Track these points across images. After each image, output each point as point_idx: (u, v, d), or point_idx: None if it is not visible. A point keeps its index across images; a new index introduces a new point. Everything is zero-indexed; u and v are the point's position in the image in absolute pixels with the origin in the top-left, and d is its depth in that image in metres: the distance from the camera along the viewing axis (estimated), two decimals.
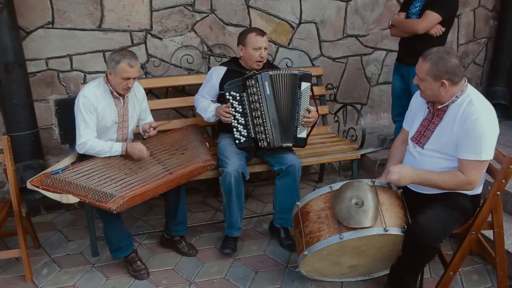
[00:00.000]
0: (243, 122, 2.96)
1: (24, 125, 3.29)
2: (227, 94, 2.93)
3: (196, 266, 2.89)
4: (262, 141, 2.93)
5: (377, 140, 4.25)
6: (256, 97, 2.89)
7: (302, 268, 2.48)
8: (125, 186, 2.52)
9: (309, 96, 2.99)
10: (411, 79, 3.29)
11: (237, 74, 3.01)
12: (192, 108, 3.56)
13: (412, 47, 3.24)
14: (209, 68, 3.61)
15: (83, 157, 2.81)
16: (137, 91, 2.96)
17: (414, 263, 2.26)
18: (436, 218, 2.17)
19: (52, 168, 2.73)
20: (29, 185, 2.58)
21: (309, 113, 2.97)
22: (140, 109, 2.99)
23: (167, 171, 2.68)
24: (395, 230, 2.19)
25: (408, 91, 3.39)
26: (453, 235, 2.59)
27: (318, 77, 3.86)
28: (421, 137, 2.35)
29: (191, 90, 3.63)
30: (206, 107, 3.08)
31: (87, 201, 2.47)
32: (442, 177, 2.21)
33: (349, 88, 4.26)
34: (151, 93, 3.66)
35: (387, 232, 2.17)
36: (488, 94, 4.54)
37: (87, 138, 2.70)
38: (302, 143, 3.03)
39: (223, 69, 3.12)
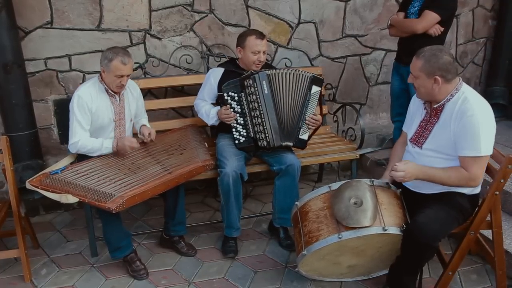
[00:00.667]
0: (242, 122, 2.97)
1: (23, 125, 3.29)
2: (225, 94, 2.94)
3: (195, 266, 2.89)
4: (261, 141, 2.94)
5: (376, 140, 4.25)
6: (254, 97, 2.89)
7: (301, 268, 2.48)
8: (124, 186, 2.52)
9: (317, 100, 2.99)
10: None
11: (234, 75, 3.01)
12: (191, 108, 3.56)
13: (411, 47, 3.23)
14: (208, 68, 3.61)
15: (82, 157, 2.81)
16: (133, 89, 2.96)
17: (413, 263, 2.27)
18: (435, 218, 2.18)
19: (51, 168, 2.73)
20: (28, 185, 2.58)
21: (315, 115, 2.98)
22: (136, 106, 2.99)
23: (166, 171, 2.68)
24: (394, 230, 2.19)
25: (407, 91, 3.39)
26: (452, 235, 2.59)
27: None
28: (420, 138, 2.36)
29: (190, 90, 3.63)
30: (208, 112, 3.08)
31: (86, 201, 2.46)
32: (446, 173, 2.22)
33: (348, 88, 4.26)
34: (150, 93, 3.66)
35: (386, 232, 2.17)
36: (487, 94, 4.54)
37: (78, 138, 2.71)
38: (302, 144, 3.03)
39: (221, 70, 3.12)
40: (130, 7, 3.49)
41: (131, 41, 3.56)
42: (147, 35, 3.59)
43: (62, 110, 3.12)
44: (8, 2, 3.09)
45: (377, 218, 2.20)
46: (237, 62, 3.15)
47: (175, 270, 2.85)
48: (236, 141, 2.98)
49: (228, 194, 2.83)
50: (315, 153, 3.34)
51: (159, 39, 3.62)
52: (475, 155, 2.15)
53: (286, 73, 2.92)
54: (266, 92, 2.89)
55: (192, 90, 3.53)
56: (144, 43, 3.60)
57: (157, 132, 3.06)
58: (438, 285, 2.45)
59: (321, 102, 3.06)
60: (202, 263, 2.91)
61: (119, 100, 2.85)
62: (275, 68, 3.13)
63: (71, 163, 2.81)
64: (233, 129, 2.98)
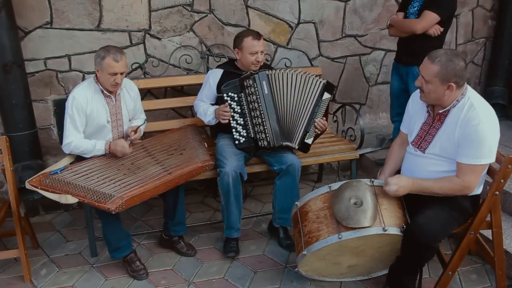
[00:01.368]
0: (242, 122, 2.96)
1: (23, 125, 3.29)
2: (224, 95, 2.94)
3: (195, 266, 2.89)
4: (262, 141, 2.93)
5: (376, 140, 4.25)
6: (254, 97, 2.89)
7: (301, 268, 2.48)
8: (124, 187, 2.52)
9: (326, 106, 2.99)
10: (410, 79, 3.32)
11: (233, 75, 3.01)
12: (191, 108, 3.56)
13: (411, 47, 3.25)
14: (208, 68, 3.61)
15: (81, 157, 2.81)
16: (130, 89, 2.95)
17: (413, 263, 2.27)
18: (435, 218, 2.17)
19: (50, 168, 2.73)
20: (28, 185, 2.58)
21: (322, 120, 2.98)
22: (134, 107, 2.99)
23: (165, 171, 2.68)
24: (394, 230, 2.19)
25: (407, 91, 3.39)
26: (452, 235, 2.59)
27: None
28: (422, 142, 2.34)
29: (190, 90, 3.63)
30: (206, 111, 3.08)
31: (86, 201, 2.46)
32: (437, 184, 2.21)
33: (348, 88, 4.26)
34: (150, 93, 3.66)
35: (386, 232, 2.17)
36: (487, 94, 4.54)
37: (72, 139, 2.71)
38: (306, 148, 3.03)
39: (220, 71, 3.13)
40: (130, 7, 3.48)
41: (130, 41, 3.55)
42: (147, 35, 3.59)
43: (62, 110, 3.10)
44: (8, 2, 3.09)
45: (377, 219, 2.20)
46: (236, 63, 3.15)
47: (174, 270, 2.85)
48: (236, 142, 2.98)
49: (228, 194, 2.83)
50: (315, 153, 3.33)
51: (159, 39, 3.62)
52: (474, 163, 2.14)
53: (290, 73, 2.92)
54: (266, 92, 2.89)
55: (192, 90, 3.53)
56: (143, 43, 3.60)
57: (157, 132, 3.05)
58: (438, 285, 2.45)
59: (328, 108, 3.04)
60: (201, 263, 2.91)
61: (115, 100, 2.85)
62: (274, 69, 3.13)
63: (71, 163, 2.81)
64: (233, 130, 2.97)
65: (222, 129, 3.10)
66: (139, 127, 2.93)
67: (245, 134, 2.97)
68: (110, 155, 2.79)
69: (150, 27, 3.57)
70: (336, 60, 4.14)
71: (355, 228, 2.19)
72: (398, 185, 2.20)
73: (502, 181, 2.23)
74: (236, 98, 2.94)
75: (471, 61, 4.66)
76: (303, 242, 2.35)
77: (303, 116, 2.94)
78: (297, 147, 2.98)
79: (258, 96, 2.89)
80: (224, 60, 3.56)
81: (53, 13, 3.34)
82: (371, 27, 4.14)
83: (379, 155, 4.01)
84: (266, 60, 3.85)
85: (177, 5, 3.58)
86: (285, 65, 3.84)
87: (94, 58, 2.73)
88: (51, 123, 3.57)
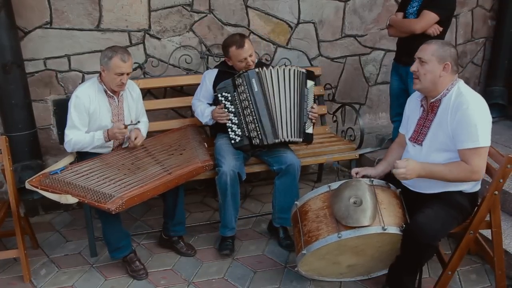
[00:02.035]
0: (236, 121, 2.98)
1: (22, 125, 3.29)
2: (219, 95, 2.96)
3: (194, 266, 2.89)
4: (255, 139, 2.94)
5: (375, 140, 4.25)
6: (245, 95, 2.91)
7: (301, 267, 2.48)
8: (124, 187, 2.52)
9: (312, 94, 3.03)
10: (409, 79, 3.32)
11: (228, 75, 3.02)
12: (191, 108, 3.56)
13: (410, 47, 3.22)
14: (207, 68, 3.61)
15: (81, 157, 2.81)
16: (132, 90, 2.96)
17: (413, 262, 2.27)
18: (435, 217, 2.18)
19: (50, 168, 2.73)
20: (27, 186, 2.58)
21: (313, 108, 3.01)
22: (136, 108, 2.99)
23: (165, 171, 2.68)
24: (393, 229, 2.19)
25: (406, 91, 3.40)
26: (451, 235, 2.60)
27: (317, 77, 3.86)
28: (419, 135, 2.37)
29: (189, 90, 3.63)
30: (203, 111, 3.10)
31: (85, 201, 2.46)
32: (447, 168, 2.21)
33: (348, 88, 4.26)
34: (150, 93, 3.66)
35: (385, 231, 2.17)
36: (486, 94, 4.54)
37: (71, 137, 2.72)
38: (310, 138, 3.04)
39: (215, 71, 3.15)
40: (130, 7, 3.48)
41: (130, 41, 3.56)
42: (147, 35, 3.59)
43: (62, 110, 3.12)
44: (8, 2, 3.09)
45: (376, 218, 2.20)
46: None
47: (174, 270, 2.85)
48: (232, 141, 2.99)
49: (225, 193, 2.83)
50: (314, 153, 3.34)
51: (159, 39, 3.62)
52: (474, 146, 2.16)
53: (276, 69, 2.93)
54: (256, 90, 2.90)
55: (192, 90, 3.53)
56: (143, 43, 3.60)
57: (157, 132, 3.06)
58: (437, 285, 2.45)
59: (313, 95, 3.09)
60: (201, 263, 2.91)
61: (118, 101, 2.85)
62: (267, 66, 3.13)
63: (71, 163, 2.81)
64: (229, 129, 2.99)
65: (221, 128, 3.10)
66: (138, 134, 2.89)
67: (240, 134, 2.98)
68: (110, 154, 2.79)
69: (149, 27, 3.57)
70: (335, 60, 4.14)
71: (354, 227, 2.19)
72: (407, 167, 2.17)
73: (501, 180, 2.24)
74: (229, 98, 2.96)
75: (470, 61, 4.66)
76: (303, 242, 2.35)
77: (294, 108, 2.95)
78: (301, 140, 2.98)
79: (248, 94, 2.90)
80: (223, 60, 3.56)
81: (53, 13, 3.34)
82: (371, 27, 4.15)
83: (379, 155, 4.01)
84: (266, 60, 3.86)
85: (176, 5, 3.58)
86: (285, 64, 3.83)
87: (100, 58, 2.74)
88: (50, 123, 3.57)
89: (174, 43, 3.66)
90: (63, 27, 3.39)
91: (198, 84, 3.26)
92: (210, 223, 3.34)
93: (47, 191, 2.54)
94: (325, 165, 4.07)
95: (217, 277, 2.77)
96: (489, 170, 2.34)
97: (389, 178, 2.43)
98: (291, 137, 2.94)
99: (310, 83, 3.01)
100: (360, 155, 3.51)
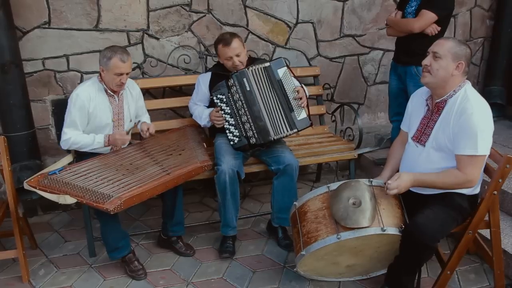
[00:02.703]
0: (233, 122, 2.98)
1: (21, 126, 3.28)
2: (214, 98, 2.97)
3: (193, 266, 2.89)
4: (251, 138, 2.94)
5: (374, 139, 4.26)
6: (237, 96, 2.91)
7: (300, 268, 2.48)
8: (123, 187, 2.51)
9: (291, 77, 2.99)
10: (408, 79, 3.32)
11: (222, 77, 3.02)
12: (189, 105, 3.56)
13: (409, 47, 3.25)
14: (206, 68, 3.61)
15: (80, 158, 2.80)
16: (132, 88, 2.96)
17: (412, 263, 2.27)
18: (434, 218, 2.18)
19: (49, 168, 2.72)
20: (26, 186, 2.57)
21: (298, 93, 2.97)
22: (136, 107, 2.99)
23: (164, 171, 2.68)
24: (392, 230, 2.19)
25: (405, 90, 3.39)
26: (450, 234, 2.60)
27: (315, 76, 3.87)
28: (422, 135, 2.36)
29: (188, 90, 3.62)
30: (201, 114, 3.11)
31: (84, 201, 2.46)
32: (439, 178, 2.22)
33: (346, 88, 4.26)
34: (148, 93, 3.65)
35: (384, 232, 2.17)
36: (485, 93, 4.55)
37: (70, 135, 2.72)
38: (306, 123, 2.98)
39: (208, 74, 3.15)
40: (128, 7, 3.48)
41: (129, 41, 3.55)
42: (145, 35, 3.59)
43: (60, 110, 3.11)
44: (6, 2, 3.08)
45: (375, 219, 2.20)
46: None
47: (173, 270, 2.85)
48: (231, 143, 2.99)
49: (225, 192, 2.83)
50: (313, 153, 3.34)
51: (157, 39, 3.62)
52: (472, 153, 2.15)
53: (251, 70, 2.92)
54: (248, 88, 2.90)
55: (190, 90, 3.52)
56: (142, 43, 3.60)
57: (156, 132, 3.05)
58: (436, 284, 2.46)
59: (294, 75, 3.04)
60: (200, 263, 2.91)
61: (118, 100, 2.85)
62: (260, 60, 3.12)
63: (69, 164, 2.81)
64: (227, 131, 2.99)
65: (219, 129, 3.10)
66: (150, 125, 2.95)
67: (238, 134, 2.98)
68: (109, 155, 2.79)
69: (148, 27, 3.57)
70: (334, 60, 4.14)
71: (353, 228, 2.19)
72: (398, 188, 2.19)
73: (500, 180, 2.24)
74: (224, 100, 2.96)
75: None
76: (302, 242, 2.35)
77: (276, 103, 2.93)
78: (297, 130, 2.96)
79: (240, 94, 2.90)
80: None
81: (51, 13, 3.33)
82: (369, 27, 4.15)
83: (378, 155, 4.02)
84: (267, 57, 3.85)
85: (175, 5, 3.58)
86: (254, 65, 3.82)
87: (99, 58, 2.74)
88: (49, 123, 3.56)
89: (173, 43, 3.66)
90: (62, 27, 3.38)
91: None
92: (209, 223, 3.34)
93: (46, 191, 2.53)
94: (324, 165, 4.08)
95: (216, 277, 2.77)
96: (488, 170, 2.35)
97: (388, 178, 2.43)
98: (286, 131, 2.94)
99: (281, 71, 2.96)
100: (359, 155, 3.52)
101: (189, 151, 2.90)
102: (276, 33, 3.90)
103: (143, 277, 2.76)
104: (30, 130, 3.35)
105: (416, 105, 2.48)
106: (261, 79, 2.93)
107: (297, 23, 3.93)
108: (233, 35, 3.01)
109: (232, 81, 2.91)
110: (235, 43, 2.96)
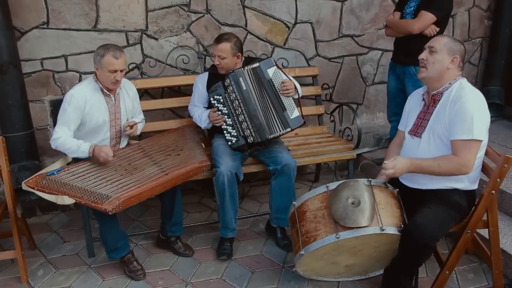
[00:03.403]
0: (230, 122, 2.98)
1: (19, 126, 3.28)
2: (211, 99, 2.98)
3: (192, 266, 2.88)
4: (249, 137, 2.94)
5: (373, 139, 4.26)
6: (234, 95, 2.91)
7: (299, 267, 2.48)
8: (121, 187, 2.51)
9: (280, 76, 2.98)
10: (406, 79, 3.32)
11: (219, 77, 3.02)
12: (188, 108, 3.56)
13: (407, 47, 3.25)
14: (204, 68, 3.61)
15: (78, 158, 2.80)
16: (129, 89, 2.96)
17: (411, 263, 2.26)
18: (434, 217, 2.18)
19: (47, 169, 2.72)
20: (24, 186, 2.57)
21: (284, 84, 2.95)
22: (132, 106, 2.99)
23: (162, 172, 2.68)
24: (391, 230, 2.19)
25: (404, 90, 3.40)
26: (448, 234, 2.60)
27: (314, 77, 3.87)
28: (419, 128, 2.40)
29: (187, 91, 3.63)
30: (200, 116, 3.11)
31: (82, 202, 2.46)
32: (435, 162, 2.23)
33: (345, 88, 4.27)
34: (147, 93, 3.65)
35: (383, 232, 2.17)
36: (483, 93, 4.43)
37: (60, 135, 2.69)
38: (299, 122, 2.99)
39: (205, 74, 3.16)
40: (127, 7, 3.48)
41: (127, 42, 3.55)
42: (144, 35, 3.59)
43: (59, 110, 3.11)
44: (4, 2, 3.08)
45: (374, 218, 2.20)
46: None
47: (172, 270, 2.85)
48: (229, 143, 2.99)
49: (223, 194, 2.83)
50: (312, 153, 3.34)
51: (156, 39, 3.62)
52: (467, 138, 2.18)
53: (246, 70, 2.92)
54: (244, 88, 2.90)
55: (189, 90, 3.52)
56: (140, 43, 3.60)
57: (154, 132, 3.05)
58: (435, 284, 2.46)
59: (283, 71, 3.02)
60: (199, 264, 2.91)
61: (114, 99, 2.84)
62: (257, 59, 3.12)
63: (68, 164, 2.81)
64: (225, 131, 2.99)
65: (218, 129, 3.10)
66: (136, 123, 2.92)
67: (235, 134, 2.98)
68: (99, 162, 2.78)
69: (147, 27, 3.57)
70: (333, 60, 4.14)
71: (352, 228, 2.19)
72: (394, 168, 2.23)
73: (498, 180, 2.24)
74: (221, 100, 2.96)
75: (467, 61, 4.67)
76: (301, 242, 2.35)
77: (268, 103, 2.94)
78: (290, 129, 2.96)
79: (237, 94, 2.90)
80: None
81: (50, 13, 3.33)
82: (368, 27, 4.15)
83: (376, 155, 4.02)
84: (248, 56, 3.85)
85: (174, 5, 3.58)
86: (282, 65, 3.85)
87: (93, 57, 2.73)
88: (48, 124, 3.56)
89: (172, 43, 3.66)
90: (60, 27, 3.38)
91: None
92: (208, 223, 3.34)
93: (44, 192, 2.53)
94: (322, 165, 4.08)
95: (215, 277, 2.77)
96: (486, 170, 2.35)
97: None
98: (279, 130, 2.94)
99: (271, 70, 2.96)
100: (358, 155, 3.52)
101: (187, 152, 2.90)
102: (274, 33, 3.90)
103: (142, 278, 2.76)
104: (29, 130, 3.35)
105: (413, 104, 2.52)
106: (253, 79, 2.94)
107: (295, 23, 3.94)
108: (227, 39, 2.98)
109: (228, 81, 2.91)
110: (223, 46, 2.95)
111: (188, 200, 3.71)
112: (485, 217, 2.35)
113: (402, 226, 2.22)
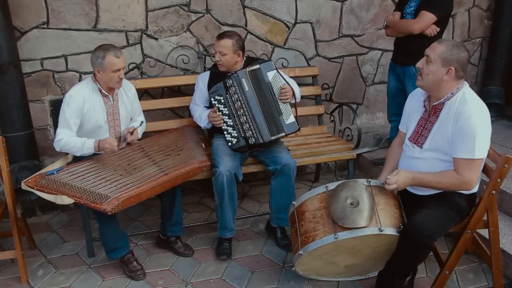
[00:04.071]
0: (231, 123, 2.98)
1: (19, 126, 3.28)
2: (212, 99, 2.98)
3: (192, 266, 2.88)
4: (251, 138, 2.94)
5: (372, 139, 4.26)
6: (236, 96, 2.91)
7: (298, 267, 2.48)
8: (120, 187, 2.51)
9: (280, 80, 2.99)
10: (407, 79, 3.33)
11: (221, 76, 3.02)
12: (188, 108, 3.56)
13: (407, 47, 3.26)
14: (204, 68, 3.61)
15: (78, 158, 2.80)
16: (128, 89, 2.95)
17: (407, 263, 2.25)
18: (432, 217, 2.17)
19: (47, 169, 2.72)
20: (23, 186, 2.57)
21: (283, 89, 2.97)
22: (131, 107, 2.99)
23: (162, 172, 2.68)
24: (390, 230, 2.19)
25: (404, 90, 3.40)
26: (448, 234, 2.60)
27: (314, 77, 3.87)
28: (419, 137, 2.35)
29: (186, 91, 3.63)
30: (201, 115, 3.11)
31: (81, 202, 2.46)
32: (437, 178, 2.22)
33: (345, 88, 4.26)
34: (147, 93, 3.65)
35: (382, 232, 2.17)
36: (483, 93, 4.55)
37: (62, 136, 2.70)
38: (293, 127, 3.00)
39: (207, 73, 3.16)
40: (127, 7, 3.48)
41: (127, 41, 3.55)
42: (144, 35, 3.59)
43: (59, 110, 3.09)
44: (4, 2, 3.08)
45: (373, 219, 2.20)
46: None
47: (172, 270, 2.85)
48: (230, 144, 2.99)
49: (222, 194, 2.83)
50: (312, 153, 3.34)
51: (156, 39, 3.62)
52: (469, 157, 2.15)
53: (254, 69, 2.93)
54: (247, 89, 2.90)
55: (189, 90, 3.52)
56: (140, 43, 3.60)
57: (154, 132, 3.05)
58: (435, 284, 2.46)
59: (282, 76, 3.04)
60: (199, 264, 2.91)
61: (113, 100, 2.84)
62: (259, 60, 3.12)
63: (67, 164, 2.81)
64: (225, 132, 2.99)
65: (218, 129, 3.10)
66: (135, 129, 2.92)
67: (236, 135, 2.98)
68: (107, 155, 2.78)
69: (147, 27, 3.57)
70: (333, 60, 4.14)
71: (351, 228, 2.19)
72: (397, 183, 2.21)
73: (498, 180, 2.24)
74: (222, 101, 2.96)
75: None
76: (300, 242, 2.35)
77: (267, 103, 2.94)
78: (284, 134, 2.97)
79: (239, 95, 2.90)
80: None
81: (50, 13, 3.33)
82: (368, 27, 4.15)
83: (376, 155, 4.02)
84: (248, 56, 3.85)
85: (174, 5, 3.58)
86: (282, 65, 3.85)
87: (91, 60, 2.72)
88: (47, 124, 3.56)
89: (171, 43, 3.66)
90: (60, 27, 3.38)
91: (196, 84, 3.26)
92: (208, 223, 3.34)
93: (43, 191, 2.53)
94: (322, 165, 4.08)
95: (215, 277, 2.77)
96: (486, 170, 2.35)
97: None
98: (275, 134, 2.95)
99: (271, 74, 2.96)
100: (358, 155, 3.52)
101: (187, 152, 2.90)
102: (274, 33, 3.90)
103: (142, 278, 2.76)
104: (29, 130, 3.35)
105: (414, 106, 2.47)
106: (253, 81, 2.93)
107: (295, 23, 3.94)
108: (229, 35, 3.00)
109: (230, 82, 2.91)
110: (225, 42, 2.97)
111: (188, 200, 3.71)
112: (485, 217, 2.35)
113: (402, 226, 2.22)
